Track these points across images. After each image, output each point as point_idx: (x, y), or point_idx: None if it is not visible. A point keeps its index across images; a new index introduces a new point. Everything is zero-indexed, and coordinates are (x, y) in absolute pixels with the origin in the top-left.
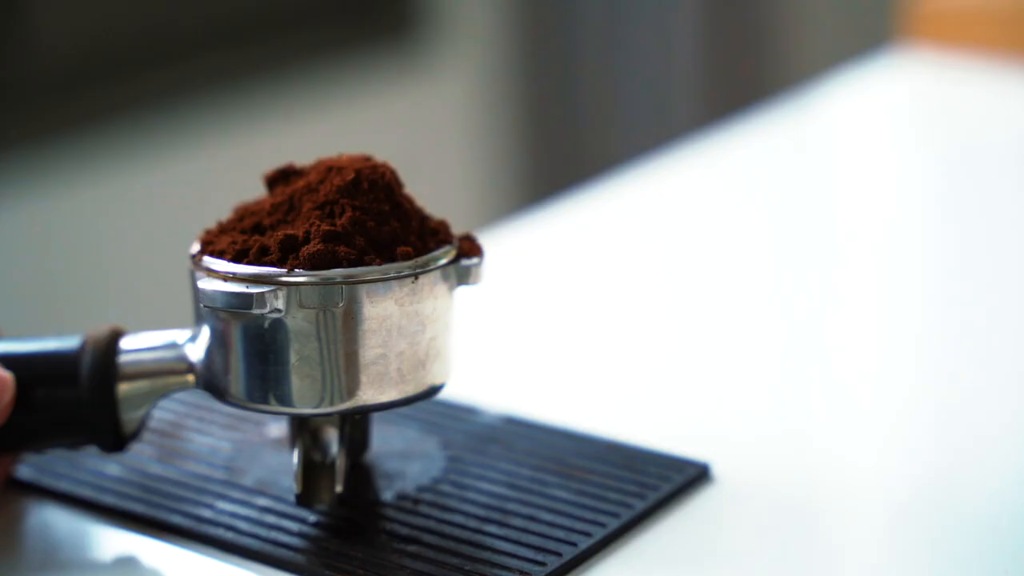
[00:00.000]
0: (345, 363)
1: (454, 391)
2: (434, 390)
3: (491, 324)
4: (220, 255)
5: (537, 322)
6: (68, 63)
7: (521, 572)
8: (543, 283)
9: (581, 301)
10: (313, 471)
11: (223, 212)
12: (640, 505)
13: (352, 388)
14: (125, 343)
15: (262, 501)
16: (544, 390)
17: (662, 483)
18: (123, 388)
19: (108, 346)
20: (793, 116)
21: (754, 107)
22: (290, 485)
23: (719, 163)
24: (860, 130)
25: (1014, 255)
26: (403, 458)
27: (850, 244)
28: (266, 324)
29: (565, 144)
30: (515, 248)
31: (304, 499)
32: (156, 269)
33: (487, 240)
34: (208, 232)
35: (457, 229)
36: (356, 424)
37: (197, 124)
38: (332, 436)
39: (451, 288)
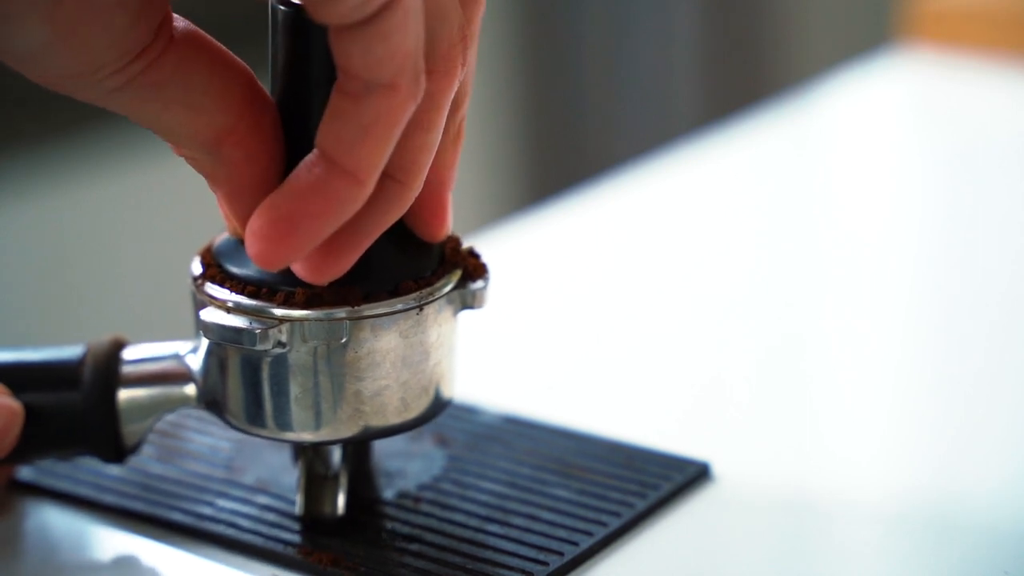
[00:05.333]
0: (348, 396)
1: (456, 393)
2: (438, 410)
3: (491, 324)
4: (222, 282)
5: (537, 322)
6: None
7: (523, 572)
8: (543, 283)
9: (581, 301)
10: (316, 485)
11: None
12: (641, 504)
13: (355, 418)
14: (127, 353)
15: (263, 499)
16: (544, 390)
17: (663, 482)
18: (124, 397)
19: (110, 356)
20: (793, 116)
21: (754, 107)
22: (291, 483)
23: (719, 163)
24: (860, 130)
25: (1016, 255)
26: (404, 457)
27: (851, 244)
28: (268, 357)
29: (565, 144)
30: (515, 248)
31: (307, 516)
32: (159, 272)
33: (487, 241)
34: (208, 250)
35: (457, 229)
36: (359, 442)
37: None
38: (335, 448)
39: (455, 312)
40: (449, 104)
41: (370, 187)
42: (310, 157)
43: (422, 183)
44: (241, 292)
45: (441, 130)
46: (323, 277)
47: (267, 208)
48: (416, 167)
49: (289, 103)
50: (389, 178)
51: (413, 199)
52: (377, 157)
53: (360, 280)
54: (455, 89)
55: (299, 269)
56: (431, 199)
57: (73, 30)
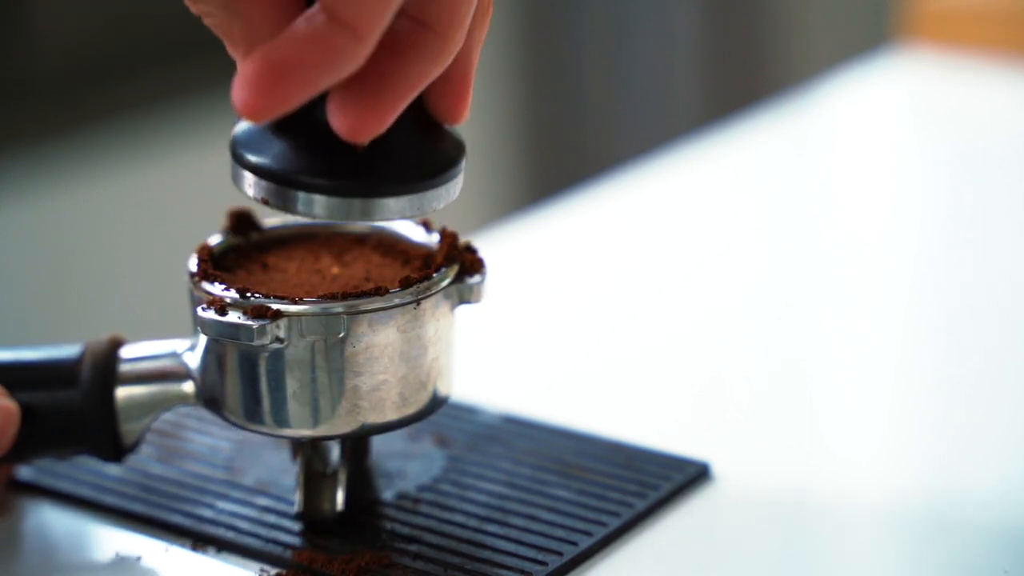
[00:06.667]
0: (346, 391)
1: (454, 390)
2: (436, 406)
3: (491, 324)
4: (219, 279)
5: (537, 322)
6: (69, 63)
7: (522, 572)
8: (543, 283)
9: (581, 301)
10: (315, 483)
11: (224, 212)
12: (641, 504)
13: (353, 414)
14: (125, 352)
15: (262, 501)
16: (544, 390)
17: (662, 482)
18: (123, 396)
19: (108, 354)
20: (793, 116)
21: (754, 107)
22: (291, 484)
23: (719, 163)
24: (860, 130)
25: (1016, 255)
26: (403, 457)
27: (851, 244)
28: (266, 352)
29: (565, 144)
30: (515, 248)
31: (306, 514)
32: (158, 272)
33: (487, 240)
34: (205, 247)
35: (457, 229)
36: (358, 438)
37: (197, 124)
38: (334, 445)
39: (453, 307)
40: None
41: (370, 45)
42: (311, 10)
43: (462, 39)
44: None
45: None
46: (362, 133)
47: (260, 54)
48: (455, 18)
49: None
50: (428, 30)
51: (453, 54)
52: (380, 12)
53: (381, 172)
54: None
55: (338, 124)
56: (453, 75)
57: None
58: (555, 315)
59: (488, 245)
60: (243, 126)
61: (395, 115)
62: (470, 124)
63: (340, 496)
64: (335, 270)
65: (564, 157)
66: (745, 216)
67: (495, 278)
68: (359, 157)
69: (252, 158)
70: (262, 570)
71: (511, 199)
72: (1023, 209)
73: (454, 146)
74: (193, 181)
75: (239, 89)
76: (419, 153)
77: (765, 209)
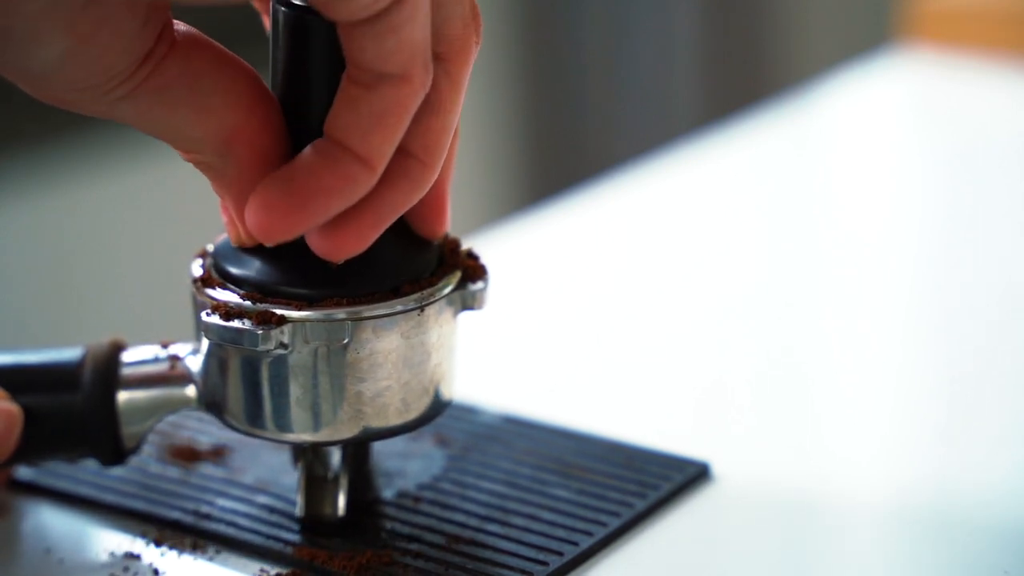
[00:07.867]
0: (349, 396)
1: (454, 391)
2: (438, 412)
3: (491, 324)
4: (223, 284)
5: (537, 322)
6: None
7: (523, 572)
8: (543, 283)
9: (581, 301)
10: (316, 488)
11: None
12: (641, 504)
13: (356, 419)
14: (126, 355)
15: (262, 499)
16: (544, 390)
17: (662, 482)
18: (124, 400)
19: (109, 358)
20: (793, 116)
21: (754, 107)
22: (291, 483)
23: (719, 163)
24: (860, 130)
25: (1016, 255)
26: (403, 457)
27: (851, 244)
28: (269, 358)
29: (565, 144)
30: (515, 248)
31: (308, 518)
32: (159, 274)
33: (487, 241)
34: (208, 252)
35: (457, 229)
36: (359, 443)
37: None
38: (335, 450)
39: (456, 313)
40: (466, 83)
41: (380, 173)
42: (318, 142)
43: (442, 164)
44: (242, 294)
45: (460, 110)
46: (342, 254)
47: (276, 181)
48: (438, 147)
49: (291, 102)
50: (412, 158)
51: (434, 180)
52: (389, 143)
53: (361, 280)
54: (471, 67)
55: (319, 246)
56: (431, 195)
57: (91, 38)
58: (555, 315)
59: (488, 245)
60: (222, 238)
61: (375, 237)
62: (470, 124)
63: (342, 500)
64: None
65: (564, 157)
66: (745, 216)
67: (495, 278)
68: (335, 270)
69: (233, 270)
70: (262, 569)
71: (511, 199)
72: (1023, 209)
73: (432, 252)
74: (194, 182)
75: (257, 214)
76: (398, 264)
77: (765, 209)
